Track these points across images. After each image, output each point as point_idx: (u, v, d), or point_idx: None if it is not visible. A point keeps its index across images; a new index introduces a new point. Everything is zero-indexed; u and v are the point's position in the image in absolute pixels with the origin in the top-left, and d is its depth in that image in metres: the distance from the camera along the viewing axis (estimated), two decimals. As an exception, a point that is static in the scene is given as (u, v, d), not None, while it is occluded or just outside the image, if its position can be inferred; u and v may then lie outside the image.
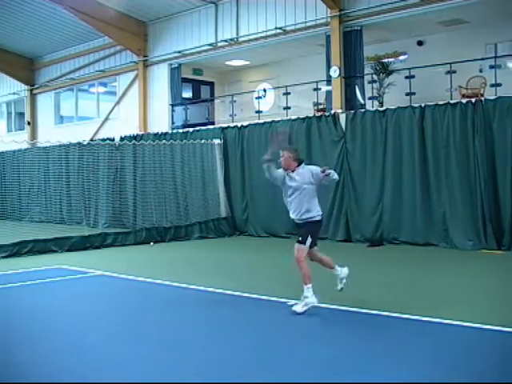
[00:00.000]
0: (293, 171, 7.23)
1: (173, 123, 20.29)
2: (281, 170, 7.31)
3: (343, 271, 7.46)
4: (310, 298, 6.91)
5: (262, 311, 7.50)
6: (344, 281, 7.46)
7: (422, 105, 13.70)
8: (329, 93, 16.13)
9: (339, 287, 7.46)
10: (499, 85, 13.44)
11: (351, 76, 15.64)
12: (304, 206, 7.14)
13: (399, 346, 5.76)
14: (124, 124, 21.43)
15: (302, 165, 7.27)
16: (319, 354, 5.49)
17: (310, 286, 6.93)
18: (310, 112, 16.48)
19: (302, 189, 7.14)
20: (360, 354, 5.52)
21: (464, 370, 5.01)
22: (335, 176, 7.15)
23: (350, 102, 15.61)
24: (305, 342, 5.95)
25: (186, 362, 5.38)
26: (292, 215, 7.31)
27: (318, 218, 7.23)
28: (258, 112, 18.41)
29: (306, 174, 7.19)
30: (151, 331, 6.55)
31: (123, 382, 4.84)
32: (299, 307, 6.92)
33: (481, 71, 14.67)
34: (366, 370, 5.04)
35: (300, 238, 7.08)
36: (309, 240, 7.05)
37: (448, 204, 13.21)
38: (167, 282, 9.47)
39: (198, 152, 17.42)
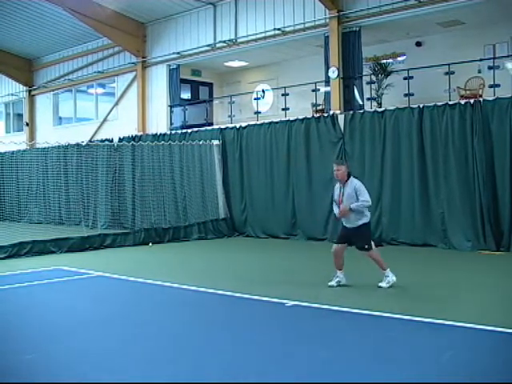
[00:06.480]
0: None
1: (171, 124, 20.30)
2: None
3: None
4: (391, 276, 8.35)
5: (261, 312, 7.50)
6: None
7: (421, 106, 13.72)
8: (327, 94, 16.15)
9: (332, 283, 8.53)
10: (498, 85, 13.46)
11: (350, 77, 15.65)
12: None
13: (400, 347, 5.77)
14: (123, 125, 21.43)
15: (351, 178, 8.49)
16: (318, 355, 5.49)
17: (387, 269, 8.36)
18: (308, 113, 16.49)
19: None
20: (360, 354, 5.53)
21: (465, 370, 5.02)
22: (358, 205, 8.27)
23: (348, 102, 15.64)
24: (305, 343, 5.95)
25: (184, 362, 5.39)
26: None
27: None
28: (257, 113, 18.43)
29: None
30: (151, 332, 6.55)
31: (124, 382, 4.85)
32: (384, 283, 8.29)
33: (479, 72, 14.68)
34: (366, 370, 5.05)
35: (366, 246, 8.34)
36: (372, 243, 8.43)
37: (447, 205, 13.23)
38: (167, 284, 9.47)
39: (197, 153, 17.44)
